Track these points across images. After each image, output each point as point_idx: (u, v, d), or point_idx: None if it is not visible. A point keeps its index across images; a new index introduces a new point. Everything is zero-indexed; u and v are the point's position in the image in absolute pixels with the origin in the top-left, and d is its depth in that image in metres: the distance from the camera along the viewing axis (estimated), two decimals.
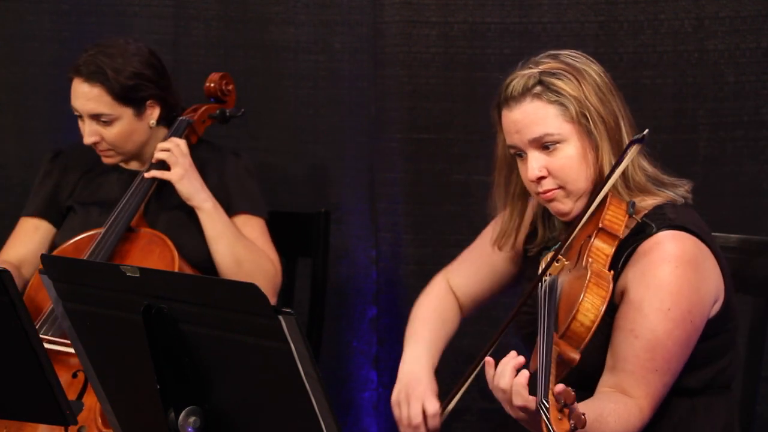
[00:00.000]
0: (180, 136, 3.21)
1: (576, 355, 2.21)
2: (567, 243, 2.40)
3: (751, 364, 2.85)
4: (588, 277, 2.26)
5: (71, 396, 2.86)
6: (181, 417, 2.03)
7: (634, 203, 2.42)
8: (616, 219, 2.39)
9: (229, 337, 1.98)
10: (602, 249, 2.36)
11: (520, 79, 2.46)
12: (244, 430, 2.06)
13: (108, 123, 3.14)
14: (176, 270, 2.99)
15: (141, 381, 2.07)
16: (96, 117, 3.13)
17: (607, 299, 2.25)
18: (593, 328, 2.22)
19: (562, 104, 2.43)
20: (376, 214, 3.79)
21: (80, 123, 3.19)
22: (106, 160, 3.22)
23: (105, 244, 3.06)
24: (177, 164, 3.13)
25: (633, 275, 2.38)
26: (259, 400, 2.02)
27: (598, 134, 2.43)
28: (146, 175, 3.16)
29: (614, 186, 2.42)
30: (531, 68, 2.47)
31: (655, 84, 3.58)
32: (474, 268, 2.79)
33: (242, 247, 3.14)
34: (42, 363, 2.23)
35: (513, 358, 2.18)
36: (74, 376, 2.91)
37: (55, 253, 3.12)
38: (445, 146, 3.71)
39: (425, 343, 2.70)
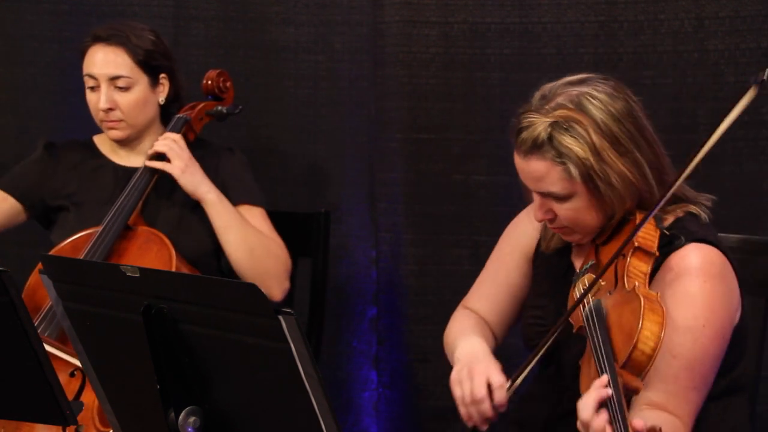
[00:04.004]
0: (178, 134, 3.22)
1: (639, 384, 2.17)
2: (603, 269, 2.32)
3: (751, 364, 2.84)
4: (642, 304, 2.20)
5: (69, 395, 2.85)
6: (181, 417, 2.03)
7: (661, 217, 2.40)
8: (649, 235, 2.34)
9: (229, 337, 1.98)
10: (639, 267, 2.31)
11: (531, 130, 2.37)
12: (244, 430, 2.06)
13: (124, 89, 3.17)
14: (173, 268, 3.00)
15: (141, 381, 2.07)
16: (114, 81, 3.16)
17: (664, 324, 2.19)
18: (655, 356, 2.17)
19: (567, 166, 2.36)
20: (376, 214, 3.79)
21: (91, 95, 3.20)
22: (114, 134, 3.23)
23: (102, 242, 3.06)
24: (178, 157, 3.14)
25: (663, 292, 2.33)
26: (259, 400, 2.02)
27: (610, 191, 2.37)
28: (147, 163, 3.16)
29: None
30: (545, 112, 2.38)
31: (655, 84, 3.57)
32: (493, 289, 2.72)
33: (252, 234, 3.16)
34: (42, 363, 2.23)
35: (597, 389, 2.13)
36: (72, 375, 2.91)
37: (52, 252, 3.13)
38: (445, 146, 3.71)
39: (476, 336, 2.60)
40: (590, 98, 2.38)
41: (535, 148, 2.37)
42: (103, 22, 3.63)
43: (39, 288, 3.01)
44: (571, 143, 2.35)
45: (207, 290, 2.00)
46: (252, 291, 1.89)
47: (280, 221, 3.35)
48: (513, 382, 2.42)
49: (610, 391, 2.11)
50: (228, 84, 3.39)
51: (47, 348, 2.83)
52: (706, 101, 3.54)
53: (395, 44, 3.71)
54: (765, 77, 2.18)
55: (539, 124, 2.37)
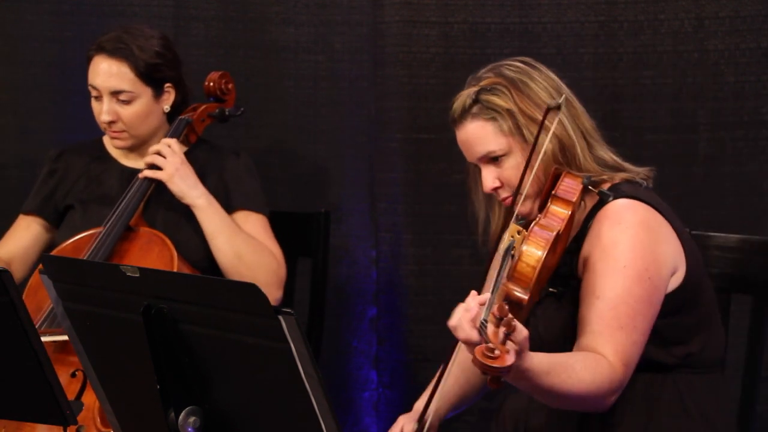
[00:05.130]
0: (179, 136, 3.22)
1: (524, 295, 2.29)
2: (513, 217, 2.49)
3: (751, 364, 2.84)
4: (530, 228, 2.37)
5: (70, 395, 2.85)
6: (181, 417, 2.03)
7: (590, 177, 2.52)
8: (570, 188, 2.49)
9: (229, 337, 1.98)
10: (557, 212, 2.44)
11: (459, 100, 2.57)
12: (244, 430, 2.06)
13: (127, 102, 3.16)
14: (175, 269, 3.00)
15: (141, 381, 2.07)
16: (116, 95, 3.15)
17: (550, 242, 2.34)
18: (538, 268, 2.30)
19: (497, 120, 2.53)
20: (376, 214, 3.79)
21: (94, 103, 3.20)
22: (117, 143, 3.23)
23: (104, 243, 3.06)
24: (166, 164, 3.14)
25: (589, 243, 2.49)
26: (259, 400, 2.02)
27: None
28: (140, 176, 3.17)
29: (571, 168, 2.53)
30: (472, 86, 2.57)
31: (655, 84, 3.58)
32: None
33: (241, 241, 3.15)
34: (42, 363, 2.23)
35: (472, 297, 2.25)
36: (73, 375, 2.91)
37: (54, 252, 3.13)
38: (445, 146, 3.70)
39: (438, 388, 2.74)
40: (508, 66, 2.59)
41: (465, 112, 2.56)
42: (103, 21, 3.64)
43: (40, 288, 3.00)
44: (496, 99, 2.54)
45: (207, 290, 2.00)
46: (252, 291, 1.89)
47: (280, 221, 3.35)
48: (423, 413, 2.63)
49: (486, 295, 2.22)
50: (230, 86, 3.39)
51: (55, 338, 2.85)
52: (706, 101, 3.54)
53: (395, 44, 3.71)
54: (561, 101, 2.46)
55: (465, 95, 2.57)
